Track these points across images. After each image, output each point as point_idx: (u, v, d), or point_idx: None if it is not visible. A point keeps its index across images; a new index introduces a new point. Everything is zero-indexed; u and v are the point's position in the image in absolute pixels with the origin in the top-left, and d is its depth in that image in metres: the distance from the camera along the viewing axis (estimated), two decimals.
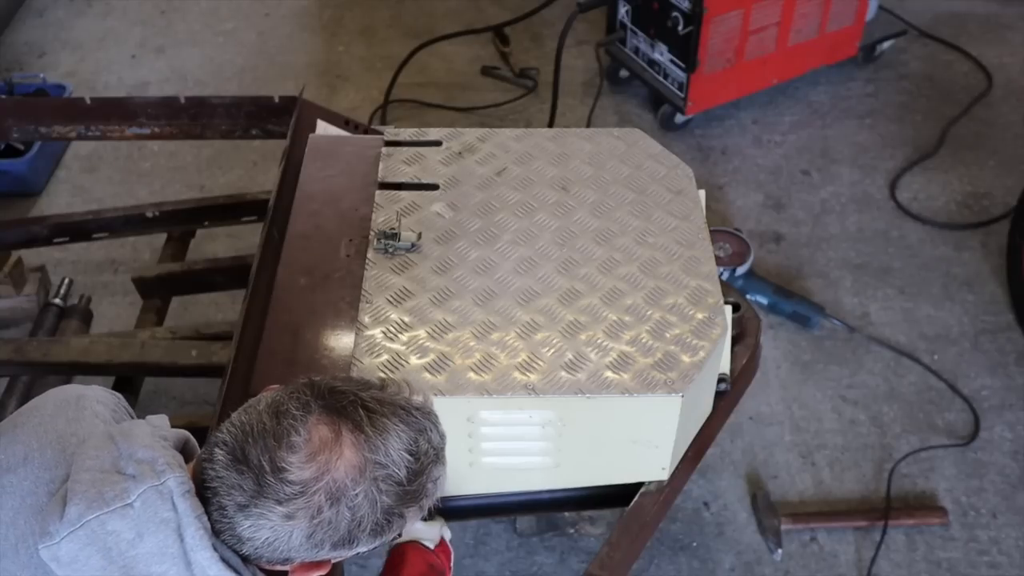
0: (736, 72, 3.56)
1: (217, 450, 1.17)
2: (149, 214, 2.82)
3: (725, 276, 2.96)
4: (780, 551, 2.47)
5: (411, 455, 1.18)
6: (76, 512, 1.12)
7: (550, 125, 3.53)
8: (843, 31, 3.72)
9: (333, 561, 1.25)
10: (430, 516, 1.51)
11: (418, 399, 1.25)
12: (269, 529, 1.14)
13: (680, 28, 3.36)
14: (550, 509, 2.10)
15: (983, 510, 2.56)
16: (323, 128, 2.45)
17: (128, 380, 2.41)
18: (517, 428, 1.77)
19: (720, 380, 2.03)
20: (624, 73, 3.84)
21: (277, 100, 2.63)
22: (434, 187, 2.14)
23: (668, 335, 1.81)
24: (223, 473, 1.15)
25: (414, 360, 1.76)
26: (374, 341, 1.80)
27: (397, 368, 1.75)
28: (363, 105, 3.82)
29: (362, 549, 1.21)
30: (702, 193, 2.16)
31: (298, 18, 4.33)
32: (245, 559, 1.19)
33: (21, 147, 3.40)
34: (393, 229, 1.98)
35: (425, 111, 3.80)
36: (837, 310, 3.05)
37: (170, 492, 1.14)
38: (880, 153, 3.61)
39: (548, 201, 2.11)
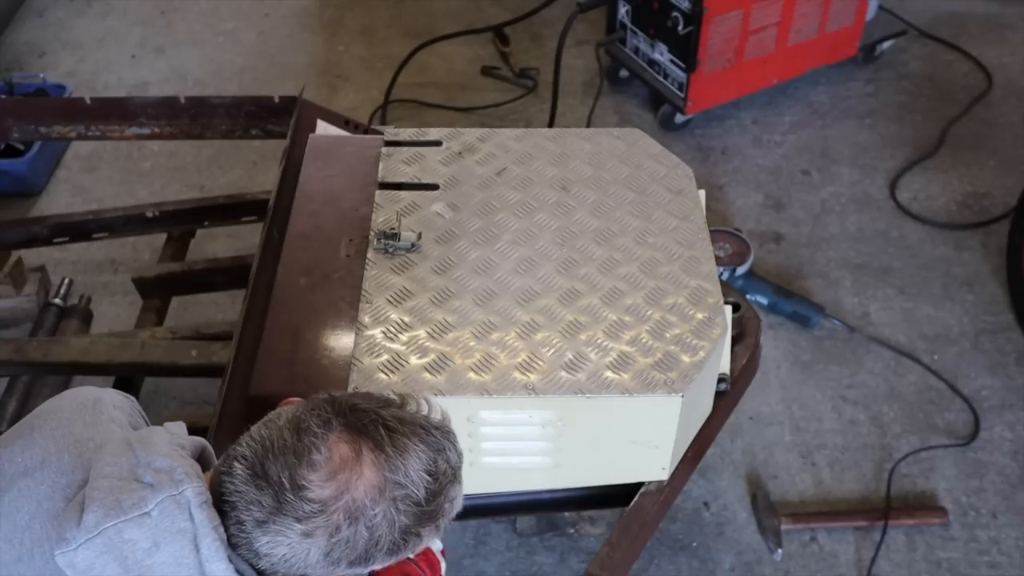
0: (736, 72, 3.56)
1: (236, 464, 1.16)
2: (149, 214, 2.82)
3: (725, 276, 2.96)
4: (780, 551, 2.47)
5: (430, 475, 1.18)
6: (94, 519, 1.12)
7: (550, 125, 3.53)
8: (843, 31, 3.72)
9: None
10: None
11: (436, 417, 1.24)
12: (287, 546, 1.14)
13: (680, 28, 3.36)
14: (550, 509, 2.10)
15: (983, 510, 2.56)
16: (323, 128, 2.45)
17: (128, 380, 2.42)
18: (517, 428, 1.77)
19: (720, 380, 2.03)
20: (624, 73, 3.84)
21: (277, 100, 2.63)
22: (434, 187, 2.14)
23: (668, 335, 1.81)
24: (242, 488, 1.14)
25: (414, 360, 1.76)
26: (374, 341, 1.80)
27: (397, 368, 1.75)
28: (363, 105, 3.82)
29: (377, 567, 1.21)
30: (702, 193, 2.16)
31: (298, 18, 4.33)
32: (260, 573, 1.19)
33: (21, 147, 3.40)
34: (393, 229, 1.98)
35: (425, 111, 3.80)
36: (837, 310, 3.05)
37: (188, 502, 1.14)
38: (880, 153, 3.61)
39: (548, 201, 2.11)
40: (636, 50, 3.67)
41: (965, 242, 3.27)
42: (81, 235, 2.86)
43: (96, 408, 1.32)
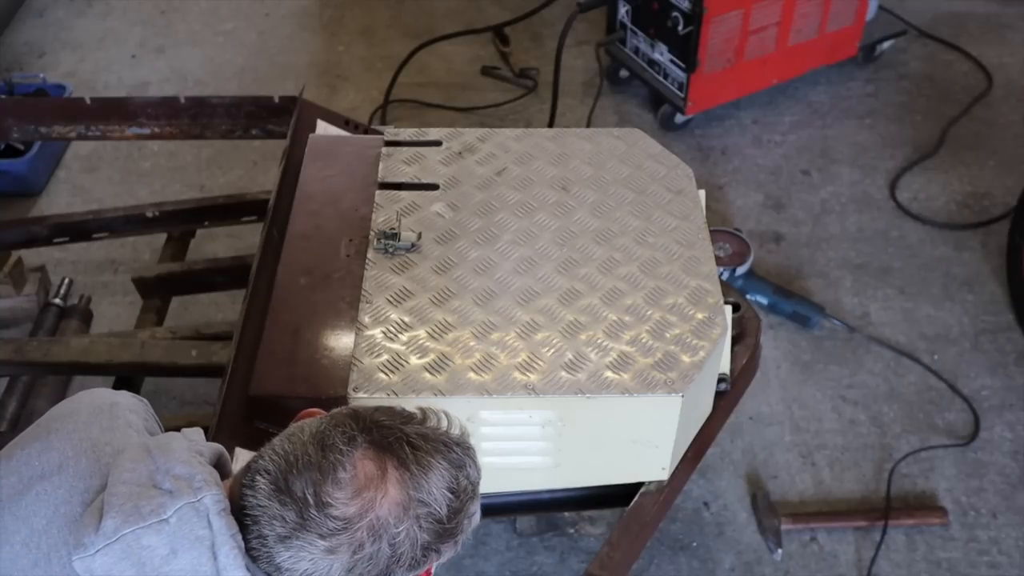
0: (736, 72, 3.56)
1: (259, 478, 1.16)
2: (149, 214, 2.82)
3: (725, 276, 2.96)
4: (780, 551, 2.47)
5: (452, 493, 1.19)
6: (112, 525, 1.12)
7: (550, 125, 3.53)
8: (843, 31, 3.72)
9: None
10: None
11: (455, 432, 1.24)
12: (309, 561, 1.14)
13: (680, 28, 3.36)
14: (550, 509, 2.10)
15: (983, 510, 2.56)
16: (323, 128, 2.45)
17: (128, 380, 2.41)
18: (517, 428, 1.77)
19: (720, 380, 2.03)
20: (624, 73, 3.84)
21: (277, 100, 2.63)
22: (434, 187, 2.14)
23: (668, 335, 1.81)
24: (265, 502, 1.14)
25: (414, 360, 1.76)
26: (374, 341, 1.80)
27: (397, 368, 1.75)
28: (363, 105, 3.82)
29: None
30: (702, 193, 2.16)
31: (298, 18, 4.33)
32: None
33: (21, 147, 3.40)
34: (393, 229, 1.98)
35: (425, 111, 3.80)
36: (837, 310, 3.05)
37: (206, 510, 1.14)
38: (880, 153, 3.61)
39: (548, 201, 2.11)
40: (636, 50, 3.67)
41: (965, 242, 3.27)
42: (81, 235, 2.86)
43: (113, 412, 1.31)
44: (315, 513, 1.12)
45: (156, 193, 3.44)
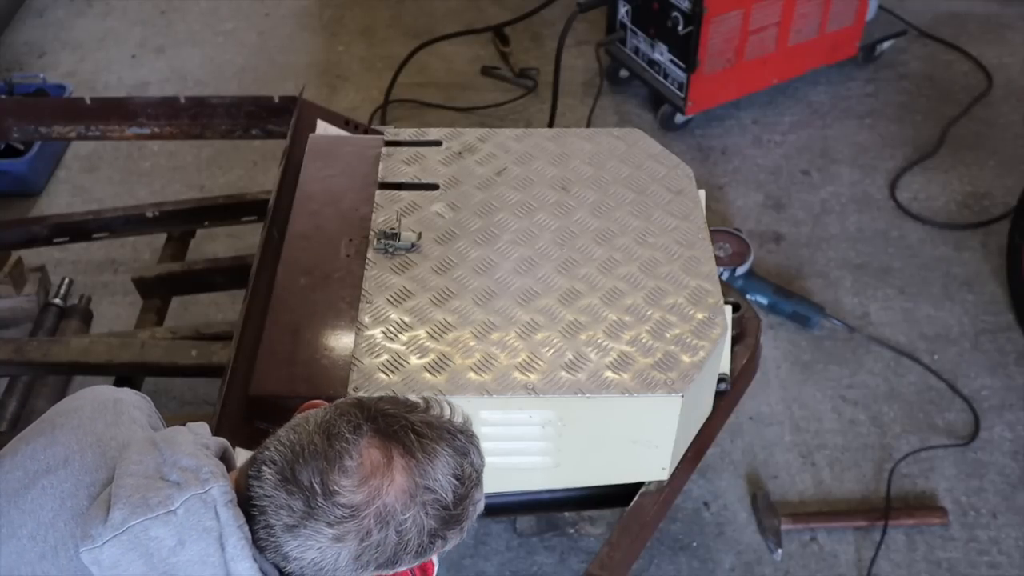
0: (736, 72, 3.56)
1: (265, 468, 1.16)
2: (149, 214, 2.82)
3: (725, 276, 2.96)
4: (780, 551, 2.47)
5: (457, 479, 1.20)
6: (120, 516, 1.12)
7: (550, 125, 3.53)
8: (843, 31, 3.72)
9: None
10: None
11: (459, 420, 1.26)
12: (316, 550, 1.15)
13: (680, 28, 3.36)
14: (550, 509, 2.10)
15: (983, 510, 2.56)
16: (323, 128, 2.45)
17: (128, 380, 2.41)
18: (517, 428, 1.77)
19: (720, 380, 2.03)
20: (624, 73, 3.84)
21: (277, 100, 2.63)
22: (434, 187, 2.14)
23: (668, 335, 1.81)
24: (271, 492, 1.15)
25: (414, 360, 1.76)
26: (374, 341, 1.80)
27: (397, 368, 1.75)
28: (363, 105, 3.82)
29: (403, 569, 1.22)
30: (702, 193, 2.16)
31: (298, 18, 4.33)
32: (284, 575, 1.19)
33: (21, 147, 3.40)
34: (393, 229, 1.98)
35: (425, 111, 3.80)
36: (837, 310, 3.05)
37: (214, 501, 1.15)
38: (880, 153, 3.61)
39: (548, 201, 2.11)
40: (636, 50, 3.67)
41: (965, 242, 3.27)
42: (81, 235, 2.86)
43: (117, 408, 1.32)
44: (322, 501, 1.13)
45: (156, 193, 3.45)
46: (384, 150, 2.22)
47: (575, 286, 1.90)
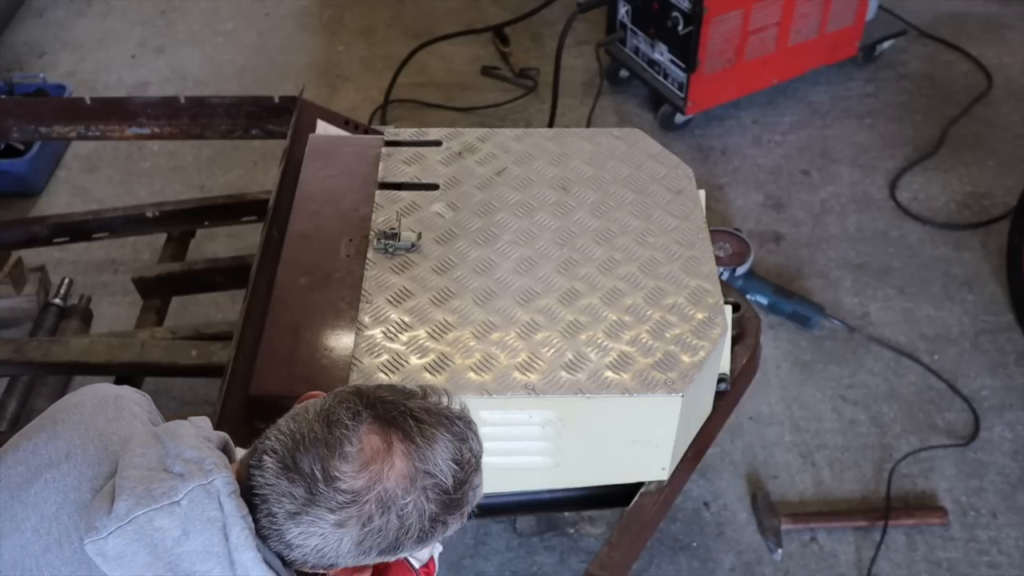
0: (736, 72, 3.56)
1: (266, 457, 1.17)
2: (149, 214, 2.82)
3: (725, 276, 2.96)
4: (780, 551, 2.47)
5: (457, 464, 1.21)
6: (124, 507, 1.13)
7: (550, 125, 3.53)
8: (843, 31, 3.72)
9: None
10: None
11: (457, 407, 1.27)
12: (319, 536, 1.16)
13: (680, 28, 3.36)
14: (550, 509, 2.10)
15: (983, 510, 2.56)
16: (323, 128, 2.45)
17: (128, 380, 2.41)
18: (517, 428, 1.77)
19: (720, 380, 2.03)
20: (624, 73, 3.84)
21: (277, 100, 2.63)
22: (434, 187, 2.14)
23: (668, 335, 1.81)
24: (273, 481, 1.16)
25: (414, 360, 1.76)
26: (374, 341, 1.80)
27: (397, 368, 1.75)
28: (363, 105, 3.82)
29: (405, 555, 1.24)
30: (702, 193, 2.16)
31: (298, 18, 4.33)
32: (287, 563, 1.20)
33: (21, 147, 3.40)
34: (393, 229, 1.98)
35: (425, 111, 3.80)
36: (837, 310, 3.05)
37: (217, 492, 1.16)
38: (880, 153, 3.61)
39: (548, 201, 2.11)
40: (636, 50, 3.67)
41: (965, 242, 3.27)
42: (81, 235, 2.86)
43: (118, 404, 1.33)
44: (324, 488, 1.14)
45: (156, 193, 3.45)
46: (384, 150, 2.22)
47: (575, 286, 1.90)
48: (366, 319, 1.84)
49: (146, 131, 2.71)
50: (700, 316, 1.86)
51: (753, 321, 2.20)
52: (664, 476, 1.90)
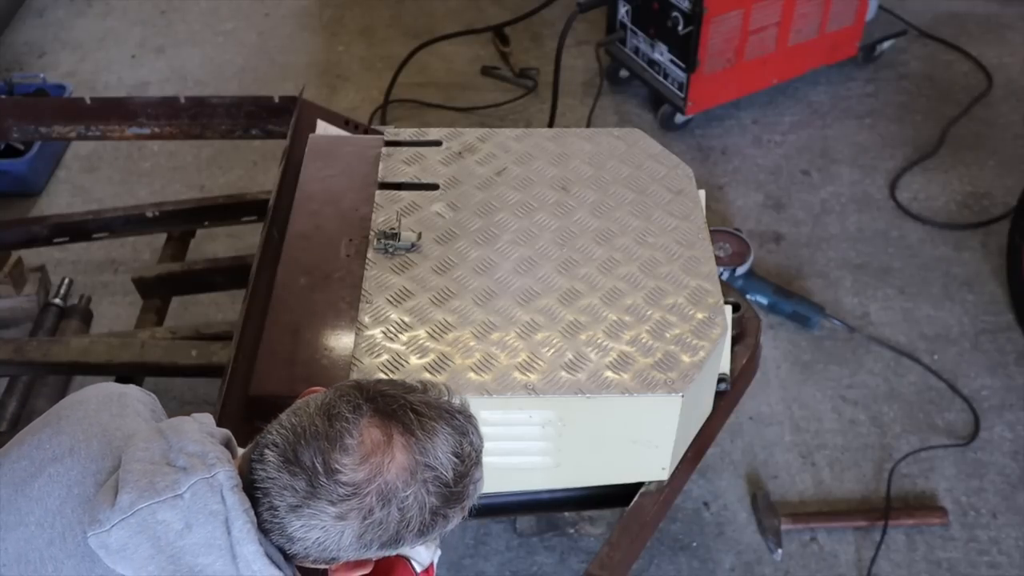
0: (736, 72, 3.56)
1: (268, 451, 1.18)
2: (149, 214, 2.82)
3: (725, 276, 2.96)
4: (780, 551, 2.47)
5: (457, 457, 1.21)
6: (128, 500, 1.14)
7: (550, 125, 3.53)
8: (843, 31, 3.72)
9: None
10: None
11: (457, 401, 1.27)
12: (320, 529, 1.16)
13: (680, 28, 3.36)
14: (550, 509, 2.10)
15: (983, 510, 2.56)
16: (323, 128, 2.45)
17: (128, 380, 2.41)
18: (517, 428, 1.77)
19: (720, 380, 2.03)
20: (624, 73, 3.84)
21: (277, 100, 2.63)
22: (434, 187, 2.14)
23: (668, 335, 1.81)
24: (274, 474, 1.17)
25: (414, 360, 1.76)
26: (374, 341, 1.80)
27: (397, 368, 1.75)
28: (363, 105, 3.82)
29: (406, 548, 1.24)
30: (702, 193, 2.16)
31: (298, 18, 4.33)
32: (288, 557, 1.21)
33: (21, 147, 3.40)
34: (393, 229, 1.98)
35: (425, 111, 3.80)
36: (837, 310, 3.05)
37: (220, 485, 1.16)
38: (880, 153, 3.61)
39: (548, 201, 2.11)
40: (636, 50, 3.67)
41: (965, 242, 3.27)
42: (81, 235, 2.86)
43: (122, 401, 1.34)
44: (324, 480, 1.15)
45: (156, 193, 3.45)
46: (384, 150, 2.22)
47: (575, 286, 1.90)
48: (366, 319, 1.84)
49: (146, 131, 2.71)
50: (700, 316, 1.86)
51: (753, 321, 2.20)
52: (664, 476, 1.90)
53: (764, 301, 3.02)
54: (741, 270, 3.02)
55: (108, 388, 1.38)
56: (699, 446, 2.02)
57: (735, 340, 2.13)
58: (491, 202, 2.10)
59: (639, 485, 1.94)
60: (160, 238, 2.94)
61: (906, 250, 3.25)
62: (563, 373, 1.74)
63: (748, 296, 2.89)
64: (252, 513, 1.17)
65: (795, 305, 3.00)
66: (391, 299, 1.87)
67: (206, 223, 2.88)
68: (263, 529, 1.18)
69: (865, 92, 3.86)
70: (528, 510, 2.12)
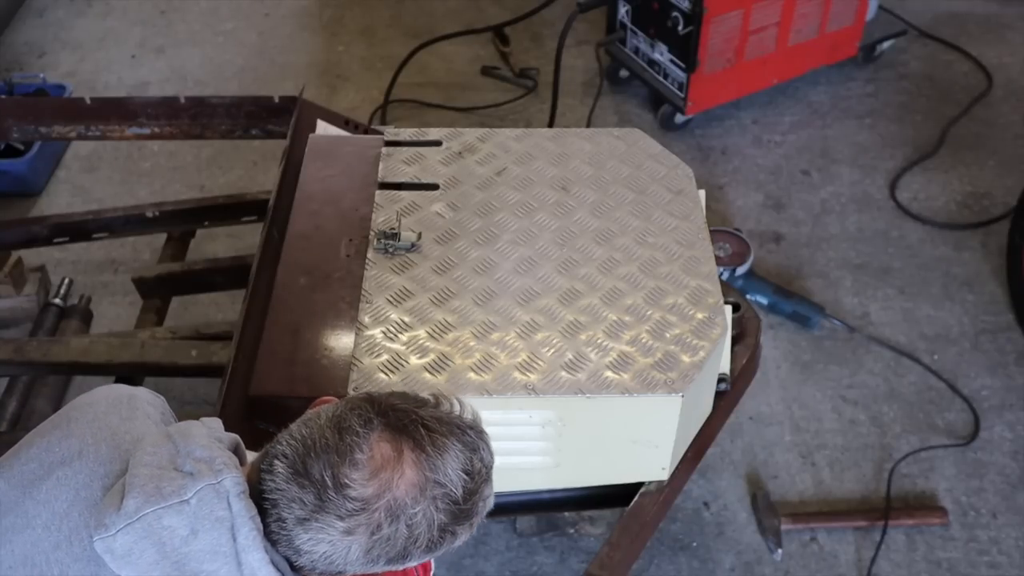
0: (736, 72, 3.56)
1: (277, 462, 1.18)
2: (149, 214, 2.82)
3: (725, 276, 2.96)
4: (780, 551, 2.47)
5: (467, 474, 1.21)
6: (134, 505, 1.14)
7: (550, 125, 3.53)
8: (843, 31, 3.72)
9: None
10: None
11: (468, 416, 1.26)
12: (328, 543, 1.16)
13: (680, 28, 3.36)
14: (550, 509, 2.10)
15: (983, 510, 2.56)
16: (323, 128, 2.45)
17: (128, 380, 2.41)
18: (517, 428, 1.77)
19: (720, 380, 2.03)
20: (624, 73, 3.84)
21: (277, 100, 2.63)
22: (434, 187, 2.14)
23: (668, 335, 1.81)
24: (283, 486, 1.16)
25: (414, 360, 1.76)
26: (374, 341, 1.80)
27: (397, 368, 1.75)
28: (363, 105, 3.82)
29: (413, 564, 1.23)
30: (702, 193, 2.16)
31: (298, 18, 4.33)
32: (295, 568, 1.21)
33: (21, 147, 3.40)
34: (393, 229, 1.98)
35: (425, 111, 3.80)
36: (837, 310, 3.05)
37: (226, 491, 1.16)
38: (880, 153, 3.61)
39: (548, 201, 2.11)
40: (636, 50, 3.67)
41: (965, 242, 3.27)
42: (81, 235, 2.86)
43: (131, 404, 1.34)
44: (333, 495, 1.14)
45: (156, 193, 3.45)
46: (384, 150, 2.22)
47: (575, 286, 1.90)
48: (366, 319, 1.84)
49: (146, 131, 2.71)
50: (700, 316, 1.86)
51: (753, 321, 2.20)
52: (664, 476, 1.90)
53: (764, 301, 3.02)
54: (741, 270, 3.02)
55: (118, 390, 1.37)
56: (699, 446, 2.02)
57: (735, 340, 2.13)
58: (491, 202, 2.10)
59: (639, 485, 1.94)
60: (160, 238, 2.94)
61: (906, 250, 3.25)
62: (563, 373, 1.74)
63: (748, 296, 2.89)
64: (258, 520, 1.16)
65: (795, 305, 3.00)
66: (391, 299, 1.87)
67: (206, 223, 2.88)
68: (271, 539, 1.18)
69: (865, 92, 3.86)
70: (528, 510, 2.12)
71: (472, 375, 1.74)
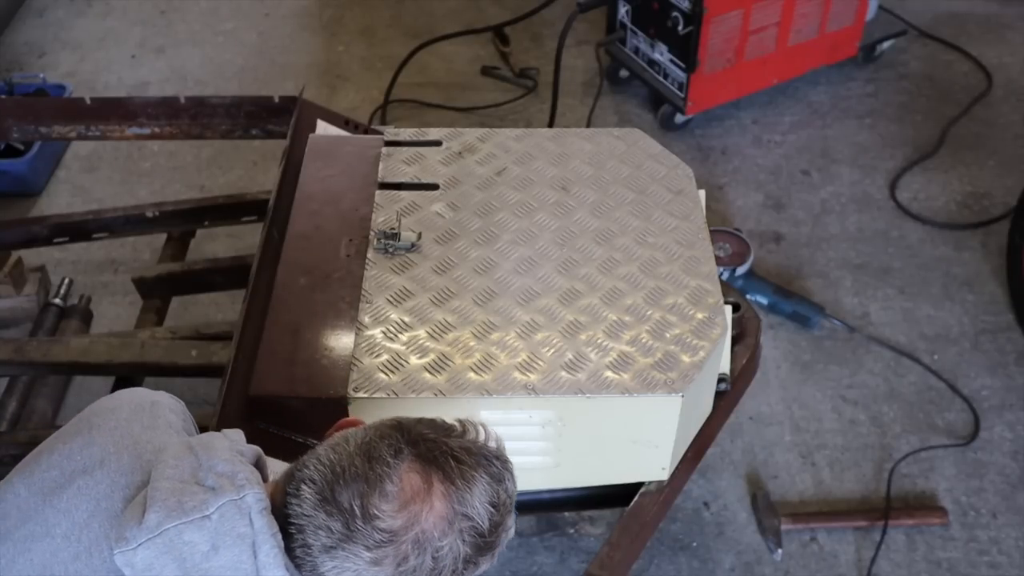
0: (736, 72, 3.56)
1: (304, 487, 1.16)
2: (149, 214, 2.82)
3: (725, 276, 2.96)
4: (780, 551, 2.47)
5: (493, 507, 1.20)
6: (155, 519, 1.13)
7: (550, 125, 3.53)
8: (843, 31, 3.72)
9: None
10: None
11: (493, 445, 1.26)
12: (353, 572, 1.14)
13: (680, 28, 3.36)
14: (550, 509, 2.10)
15: (983, 510, 2.56)
16: (323, 128, 2.45)
17: (128, 380, 2.41)
18: (517, 428, 1.77)
19: (720, 380, 2.03)
20: (624, 73, 3.84)
21: (277, 100, 2.63)
22: (434, 187, 2.14)
23: (668, 335, 1.81)
24: (311, 512, 1.15)
25: (414, 360, 1.76)
26: (374, 341, 1.80)
27: (397, 368, 1.75)
28: (363, 105, 3.82)
29: None
30: (702, 193, 2.17)
31: (298, 18, 4.33)
32: None
33: (21, 147, 3.40)
34: (393, 229, 1.98)
35: (425, 111, 3.80)
36: (837, 310, 3.05)
37: (248, 508, 1.15)
38: (880, 153, 3.61)
39: (548, 201, 2.11)
40: (636, 50, 3.67)
41: (965, 242, 3.27)
42: (81, 235, 2.86)
43: (154, 411, 1.33)
44: (361, 525, 1.13)
45: (156, 193, 3.44)
46: (384, 150, 2.23)
47: (575, 286, 1.90)
48: (366, 319, 1.84)
49: (146, 131, 2.71)
50: (700, 316, 1.86)
51: (753, 321, 2.20)
52: (664, 476, 1.90)
53: (764, 301, 3.02)
54: (741, 270, 3.02)
55: (140, 396, 1.36)
56: (699, 446, 2.02)
57: (735, 340, 2.13)
58: (491, 202, 2.10)
59: (639, 485, 1.94)
60: (160, 238, 2.94)
61: (906, 250, 3.25)
62: (563, 373, 1.74)
63: (748, 296, 2.89)
64: (279, 537, 1.15)
65: (795, 305, 3.00)
66: (391, 299, 1.87)
67: (206, 223, 2.88)
68: (295, 564, 1.16)
69: (865, 92, 3.86)
70: (528, 510, 2.12)
71: (472, 375, 1.74)
